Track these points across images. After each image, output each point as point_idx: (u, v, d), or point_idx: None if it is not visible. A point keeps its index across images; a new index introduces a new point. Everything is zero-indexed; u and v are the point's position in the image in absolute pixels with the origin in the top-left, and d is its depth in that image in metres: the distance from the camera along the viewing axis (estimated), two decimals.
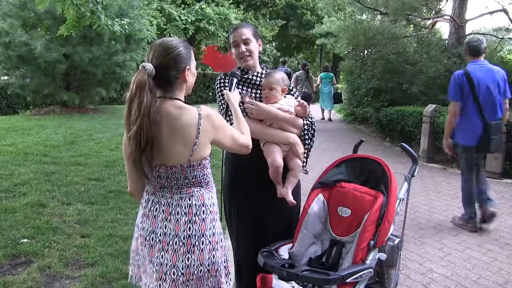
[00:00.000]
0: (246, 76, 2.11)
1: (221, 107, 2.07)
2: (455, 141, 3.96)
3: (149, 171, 1.56)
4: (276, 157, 1.98)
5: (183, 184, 1.59)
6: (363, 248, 1.82)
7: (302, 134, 2.06)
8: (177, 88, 1.61)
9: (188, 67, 1.61)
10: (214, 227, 1.63)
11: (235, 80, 2.01)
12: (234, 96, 1.94)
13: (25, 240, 3.25)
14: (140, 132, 1.47)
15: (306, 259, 2.00)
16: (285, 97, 2.09)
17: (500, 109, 3.80)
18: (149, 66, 1.52)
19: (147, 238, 1.61)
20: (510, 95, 3.92)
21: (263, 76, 2.12)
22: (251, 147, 1.74)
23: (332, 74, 12.67)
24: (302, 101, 2.10)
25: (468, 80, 3.76)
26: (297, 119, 2.07)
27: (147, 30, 11.96)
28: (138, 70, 1.53)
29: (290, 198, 2.00)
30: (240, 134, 1.72)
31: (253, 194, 2.08)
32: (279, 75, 2.08)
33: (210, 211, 1.62)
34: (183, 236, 1.56)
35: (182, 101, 1.61)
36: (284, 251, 1.97)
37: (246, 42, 2.06)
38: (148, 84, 1.49)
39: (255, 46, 2.09)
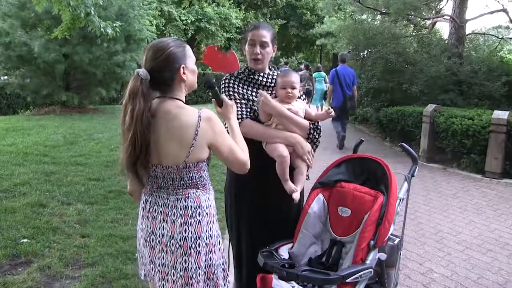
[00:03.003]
0: (252, 77, 2.09)
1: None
2: (332, 104, 7.58)
3: (144, 175, 1.56)
4: (280, 150, 1.96)
5: (179, 185, 1.58)
6: (363, 248, 1.82)
7: (309, 138, 2.06)
8: (176, 88, 1.59)
9: (183, 65, 1.57)
10: (211, 229, 1.60)
11: (215, 89, 1.74)
12: (228, 109, 1.73)
13: (25, 240, 3.25)
14: (134, 138, 1.47)
15: (306, 259, 1.99)
16: (296, 100, 2.09)
17: (350, 89, 7.54)
18: (142, 71, 1.51)
19: (147, 239, 1.62)
20: (356, 83, 7.80)
21: (269, 77, 2.11)
22: (248, 166, 1.65)
23: (324, 73, 13.71)
24: (331, 110, 2.11)
25: (337, 74, 7.54)
26: (304, 121, 2.06)
27: (147, 30, 11.95)
28: (133, 76, 1.52)
29: (297, 197, 1.97)
30: (239, 149, 1.63)
31: (253, 193, 2.08)
32: (297, 75, 2.09)
33: (207, 213, 1.60)
34: (179, 238, 1.55)
35: (183, 101, 1.60)
36: (284, 251, 1.97)
37: (263, 44, 2.03)
38: (141, 91, 1.48)
39: (269, 51, 2.06)
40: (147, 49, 1.57)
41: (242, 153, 1.64)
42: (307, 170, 2.09)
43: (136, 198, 1.72)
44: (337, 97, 7.52)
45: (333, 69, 7.67)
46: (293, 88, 2.04)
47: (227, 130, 1.68)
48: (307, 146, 2.04)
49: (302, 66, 14.83)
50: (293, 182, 2.00)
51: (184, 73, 1.58)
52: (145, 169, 1.54)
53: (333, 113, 2.14)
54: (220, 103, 1.73)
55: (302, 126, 2.05)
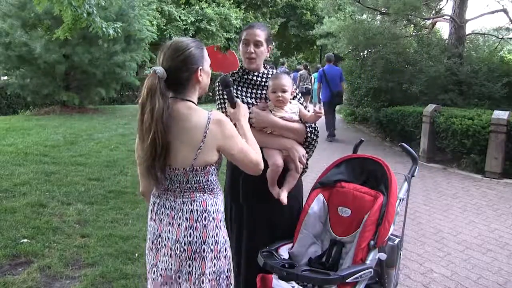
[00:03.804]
0: (246, 77, 2.09)
1: (220, 111, 2.02)
2: (321, 100, 8.84)
3: (161, 176, 1.53)
4: (277, 158, 1.97)
5: (186, 188, 1.56)
6: (363, 248, 1.82)
7: (306, 141, 2.06)
8: (190, 89, 1.57)
9: (200, 67, 1.56)
10: (217, 235, 1.57)
11: (232, 90, 1.82)
12: (240, 111, 1.73)
13: (25, 240, 3.25)
14: (155, 138, 1.44)
15: (306, 259, 1.99)
16: (290, 102, 2.06)
17: (338, 86, 8.53)
18: (160, 69, 1.49)
19: (154, 242, 1.60)
20: (343, 79, 8.89)
21: (264, 76, 2.09)
22: (262, 167, 1.62)
23: None
24: (321, 111, 2.06)
25: (324, 73, 8.53)
26: (300, 126, 2.04)
27: (147, 30, 11.96)
28: (149, 74, 1.50)
29: (284, 199, 1.96)
30: (251, 150, 1.60)
31: (253, 193, 2.08)
32: (288, 77, 2.06)
33: (213, 218, 1.57)
34: (183, 242, 1.52)
35: (195, 103, 1.58)
36: (284, 251, 1.97)
37: (256, 44, 2.02)
38: (160, 88, 1.45)
39: (264, 51, 2.05)
40: (166, 47, 1.55)
41: (255, 154, 1.60)
42: (303, 173, 2.10)
43: (148, 199, 1.70)
44: (325, 93, 8.55)
45: (320, 69, 8.84)
46: (284, 91, 1.98)
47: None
48: (301, 151, 2.04)
49: (301, 66, 14.87)
50: (283, 182, 2.00)
51: (200, 75, 1.56)
52: (162, 169, 1.51)
53: (322, 113, 2.09)
54: (233, 105, 1.74)
55: (297, 131, 2.04)
